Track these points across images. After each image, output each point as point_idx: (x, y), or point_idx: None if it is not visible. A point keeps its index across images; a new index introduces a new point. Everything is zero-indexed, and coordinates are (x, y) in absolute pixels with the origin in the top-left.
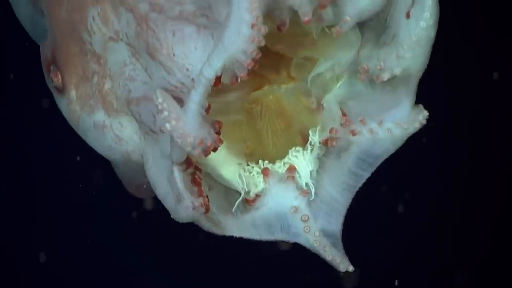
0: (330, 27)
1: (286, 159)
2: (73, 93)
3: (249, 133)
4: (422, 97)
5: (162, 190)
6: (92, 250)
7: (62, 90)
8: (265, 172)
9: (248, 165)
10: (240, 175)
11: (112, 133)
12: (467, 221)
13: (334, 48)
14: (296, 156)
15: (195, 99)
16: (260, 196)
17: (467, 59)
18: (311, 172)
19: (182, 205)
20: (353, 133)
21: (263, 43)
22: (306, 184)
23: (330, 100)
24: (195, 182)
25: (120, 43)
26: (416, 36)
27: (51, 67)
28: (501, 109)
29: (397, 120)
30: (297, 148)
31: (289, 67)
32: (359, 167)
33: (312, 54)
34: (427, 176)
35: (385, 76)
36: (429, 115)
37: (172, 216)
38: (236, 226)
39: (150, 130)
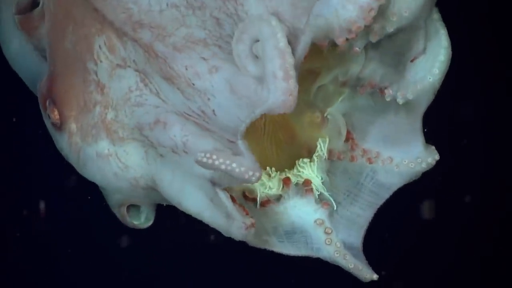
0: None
1: (295, 171)
2: (73, 126)
3: (252, 144)
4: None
5: (198, 207)
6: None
7: (60, 125)
8: (286, 181)
9: None
10: None
11: (118, 160)
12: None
13: (338, 60)
14: (304, 168)
15: (244, 146)
16: (272, 201)
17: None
18: (323, 183)
19: (235, 225)
20: (370, 161)
21: None
22: (320, 195)
23: (334, 113)
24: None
25: (128, 69)
26: (421, 86)
27: (47, 102)
28: None
29: (405, 158)
30: (304, 160)
31: None
32: (380, 188)
33: (315, 66)
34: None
35: (387, 98)
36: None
37: (224, 234)
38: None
39: (172, 151)
